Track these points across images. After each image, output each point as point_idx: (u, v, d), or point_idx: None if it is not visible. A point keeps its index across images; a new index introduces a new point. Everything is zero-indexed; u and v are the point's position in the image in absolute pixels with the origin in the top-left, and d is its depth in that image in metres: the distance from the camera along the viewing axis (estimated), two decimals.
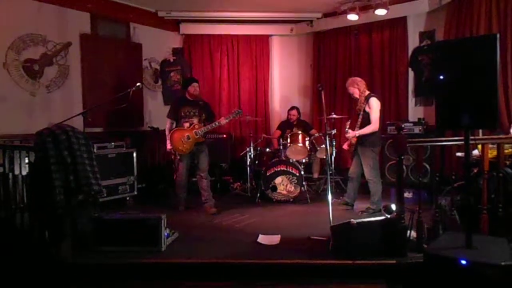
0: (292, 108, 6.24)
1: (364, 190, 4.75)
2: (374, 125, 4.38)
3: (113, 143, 4.95)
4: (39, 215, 3.30)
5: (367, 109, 4.43)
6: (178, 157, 4.69)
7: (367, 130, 4.39)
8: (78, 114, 4.20)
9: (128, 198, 5.05)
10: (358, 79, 4.64)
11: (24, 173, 3.52)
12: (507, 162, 3.38)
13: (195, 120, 4.65)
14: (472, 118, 2.46)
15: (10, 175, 3.53)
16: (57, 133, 3.24)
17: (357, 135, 4.46)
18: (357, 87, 4.55)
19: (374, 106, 4.40)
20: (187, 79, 5.28)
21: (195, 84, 4.80)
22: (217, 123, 4.60)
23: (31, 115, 4.81)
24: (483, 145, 3.22)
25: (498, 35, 2.42)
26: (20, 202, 3.53)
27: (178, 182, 4.77)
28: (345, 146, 4.75)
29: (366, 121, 4.43)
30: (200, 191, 4.75)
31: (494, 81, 2.41)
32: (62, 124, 3.47)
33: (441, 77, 2.58)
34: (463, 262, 2.30)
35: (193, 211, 4.70)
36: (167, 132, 4.76)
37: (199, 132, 4.56)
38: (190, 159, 4.76)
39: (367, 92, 4.54)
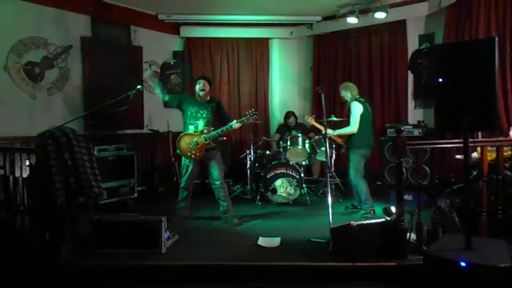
0: (289, 115, 6.26)
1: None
2: (351, 128, 4.56)
3: (113, 146, 4.96)
4: (39, 217, 3.31)
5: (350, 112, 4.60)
6: (188, 164, 4.30)
7: (342, 131, 4.68)
8: (79, 117, 4.22)
9: (128, 201, 5.05)
10: (351, 84, 4.81)
11: (24, 175, 3.53)
12: (506, 165, 3.39)
13: (201, 123, 4.21)
14: (471, 120, 2.47)
15: (11, 177, 3.54)
16: (58, 136, 3.25)
17: (332, 134, 4.72)
18: (349, 91, 4.71)
19: (353, 110, 4.58)
20: (196, 77, 4.60)
21: (200, 81, 4.28)
22: (228, 127, 4.11)
23: (32, 118, 4.82)
24: (482, 147, 3.23)
25: (496, 39, 2.44)
26: (20, 204, 3.53)
27: (181, 191, 4.39)
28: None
29: (347, 123, 4.65)
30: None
31: (493, 84, 2.42)
32: (63, 126, 3.48)
33: (440, 80, 2.59)
34: (463, 264, 2.30)
35: (193, 213, 4.67)
36: None
37: (208, 137, 4.13)
38: (199, 166, 4.33)
39: (357, 97, 4.70)
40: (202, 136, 4.15)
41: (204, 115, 4.24)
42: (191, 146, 4.17)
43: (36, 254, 3.23)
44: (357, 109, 4.55)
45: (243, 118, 4.11)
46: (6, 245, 3.40)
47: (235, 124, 4.11)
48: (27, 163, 3.54)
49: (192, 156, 4.19)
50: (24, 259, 3.21)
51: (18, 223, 3.49)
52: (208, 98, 4.38)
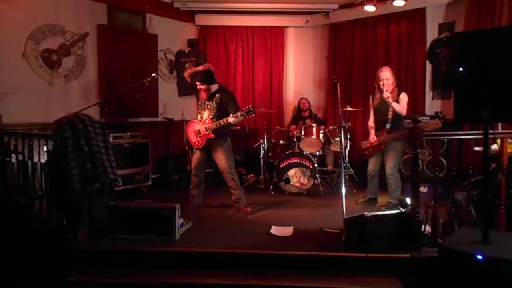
0: (302, 98, 6.41)
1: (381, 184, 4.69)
2: (403, 110, 4.34)
3: (128, 133, 5.01)
4: (57, 202, 3.37)
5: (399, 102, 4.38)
6: (195, 150, 4.46)
7: (397, 107, 4.31)
8: (95, 104, 4.27)
9: (142, 188, 5.11)
10: None
11: (42, 161, 3.59)
12: None
13: (206, 114, 4.31)
14: (491, 111, 2.41)
15: (29, 163, 3.61)
16: (75, 122, 3.29)
17: (391, 102, 4.29)
18: (394, 77, 4.44)
19: (404, 100, 4.37)
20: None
21: (196, 84, 4.32)
22: (225, 121, 4.13)
23: (49, 105, 4.89)
24: (502, 139, 3.15)
25: None
26: (39, 190, 3.61)
27: (192, 178, 4.48)
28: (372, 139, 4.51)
29: (397, 114, 4.36)
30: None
31: None
32: (79, 113, 3.53)
33: (461, 69, 2.52)
34: (479, 257, 2.27)
35: (206, 201, 4.70)
36: None
37: (207, 127, 4.22)
38: (206, 154, 4.42)
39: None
40: (204, 125, 4.27)
41: (209, 106, 4.33)
42: (195, 133, 4.35)
43: (54, 238, 3.31)
44: (407, 101, 4.38)
45: (238, 113, 4.04)
46: (25, 229, 3.49)
47: (230, 118, 4.08)
48: (45, 149, 3.60)
49: (196, 143, 4.38)
50: (42, 243, 3.29)
51: (36, 207, 3.58)
52: (215, 89, 4.32)
